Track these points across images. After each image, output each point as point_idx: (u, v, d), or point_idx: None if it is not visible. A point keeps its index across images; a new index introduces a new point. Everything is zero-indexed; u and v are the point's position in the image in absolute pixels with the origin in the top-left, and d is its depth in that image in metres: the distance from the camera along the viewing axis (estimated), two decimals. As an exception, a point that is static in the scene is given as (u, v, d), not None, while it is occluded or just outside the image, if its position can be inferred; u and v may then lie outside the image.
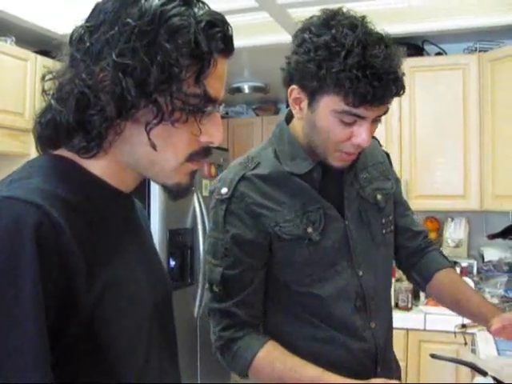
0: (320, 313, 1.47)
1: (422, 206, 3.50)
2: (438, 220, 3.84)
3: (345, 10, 1.35)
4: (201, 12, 0.89)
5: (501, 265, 3.52)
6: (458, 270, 3.31)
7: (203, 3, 0.91)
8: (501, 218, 3.69)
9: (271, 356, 1.39)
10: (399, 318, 3.08)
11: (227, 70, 0.95)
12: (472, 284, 3.21)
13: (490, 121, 3.42)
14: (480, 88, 3.47)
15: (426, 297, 3.41)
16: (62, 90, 0.90)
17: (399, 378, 1.65)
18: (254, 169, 1.46)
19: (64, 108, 0.89)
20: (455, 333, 2.85)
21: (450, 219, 3.81)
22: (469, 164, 3.49)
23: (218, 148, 4.43)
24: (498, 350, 2.39)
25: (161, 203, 3.82)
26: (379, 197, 1.55)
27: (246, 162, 1.49)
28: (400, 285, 3.46)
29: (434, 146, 3.54)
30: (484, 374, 1.66)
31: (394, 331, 1.67)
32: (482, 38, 3.63)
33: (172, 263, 3.99)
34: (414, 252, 1.71)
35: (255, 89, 5.37)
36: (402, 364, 1.76)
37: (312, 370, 1.34)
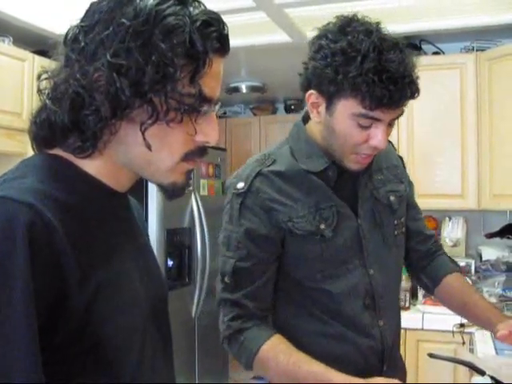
0: (330, 309, 1.49)
1: (420, 205, 3.45)
2: (436, 219, 3.84)
3: (360, 16, 1.41)
4: (196, 11, 0.88)
5: (498, 264, 3.52)
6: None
7: (199, 2, 0.91)
8: (498, 217, 3.69)
9: (276, 349, 1.41)
10: (397, 318, 3.07)
11: (224, 70, 0.95)
12: (470, 283, 3.21)
13: (487, 120, 3.42)
14: (477, 87, 3.47)
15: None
16: (56, 89, 0.90)
17: (403, 378, 1.66)
18: (270, 165, 1.50)
19: (59, 108, 0.89)
20: (453, 332, 2.85)
21: (447, 218, 3.81)
22: (466, 163, 3.49)
23: (216, 148, 4.43)
24: (495, 349, 2.39)
25: (158, 203, 3.82)
26: (392, 198, 1.59)
27: (263, 159, 1.53)
28: (398, 284, 3.46)
29: (431, 145, 3.54)
30: (482, 373, 1.66)
31: (392, 331, 1.67)
32: (480, 38, 3.64)
33: (170, 263, 3.99)
34: (425, 255, 1.74)
35: (252, 88, 5.37)
36: (400, 363, 1.76)
37: (316, 366, 1.35)
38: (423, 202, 3.57)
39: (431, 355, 1.78)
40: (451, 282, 1.68)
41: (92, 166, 0.94)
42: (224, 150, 4.93)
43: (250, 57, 4.09)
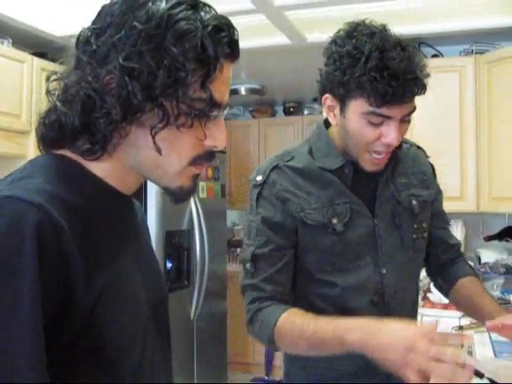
0: (336, 302, 1.53)
1: (419, 207, 3.50)
2: (435, 222, 3.84)
3: (367, 21, 1.46)
4: (207, 16, 0.89)
5: (497, 266, 3.53)
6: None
7: (210, 7, 0.91)
8: (497, 220, 3.70)
9: (292, 317, 1.43)
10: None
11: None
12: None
13: (486, 123, 3.42)
14: (477, 90, 3.47)
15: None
16: (67, 91, 0.91)
17: None
18: (288, 161, 1.58)
19: (69, 110, 0.89)
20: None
21: (446, 221, 3.81)
22: (465, 166, 3.50)
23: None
24: (494, 351, 2.39)
25: (157, 204, 3.82)
26: (414, 202, 1.62)
27: (282, 155, 1.60)
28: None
29: (430, 147, 3.50)
30: (481, 375, 1.65)
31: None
32: (479, 40, 3.64)
33: (168, 265, 3.99)
34: (445, 262, 1.77)
35: (252, 91, 5.38)
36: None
37: (331, 318, 1.36)
38: (422, 205, 3.60)
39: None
40: (465, 284, 1.70)
41: (99, 168, 0.94)
42: (223, 152, 4.93)
43: (249, 59, 4.09)
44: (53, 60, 3.61)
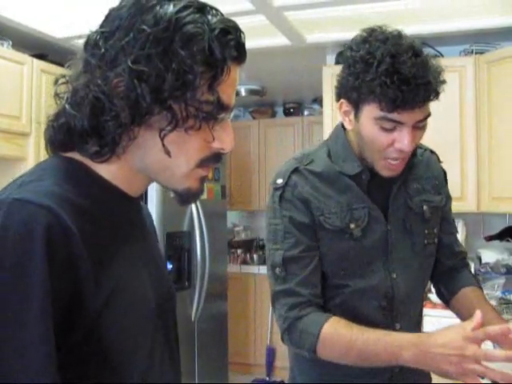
0: (346, 306, 1.53)
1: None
2: (435, 222, 3.83)
3: (383, 27, 1.46)
4: (214, 19, 0.90)
5: (498, 267, 3.52)
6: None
7: (216, 10, 0.92)
8: (498, 220, 3.69)
9: (336, 326, 1.43)
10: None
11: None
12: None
13: (486, 123, 3.42)
14: (477, 90, 3.47)
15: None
16: (76, 94, 0.91)
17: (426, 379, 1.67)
18: (307, 164, 1.57)
19: (78, 112, 0.90)
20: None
21: (447, 221, 3.80)
22: (466, 166, 3.49)
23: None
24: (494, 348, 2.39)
25: (158, 206, 3.82)
26: (425, 208, 1.62)
27: (301, 158, 1.60)
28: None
29: (430, 147, 3.53)
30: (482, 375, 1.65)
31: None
32: (479, 40, 3.64)
33: (169, 266, 3.98)
34: (449, 269, 1.76)
35: (252, 92, 5.38)
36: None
37: (378, 331, 1.39)
38: (423, 205, 3.60)
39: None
40: (467, 293, 1.69)
41: (107, 171, 0.95)
42: (223, 153, 4.92)
43: (249, 60, 4.06)
44: (53, 62, 3.62)
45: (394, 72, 1.34)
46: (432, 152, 1.76)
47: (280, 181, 1.55)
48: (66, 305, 0.80)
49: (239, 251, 5.83)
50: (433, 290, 1.80)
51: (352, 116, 1.49)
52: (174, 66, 0.85)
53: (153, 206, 3.78)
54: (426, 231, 1.63)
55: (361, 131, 1.47)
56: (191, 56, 0.86)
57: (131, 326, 0.90)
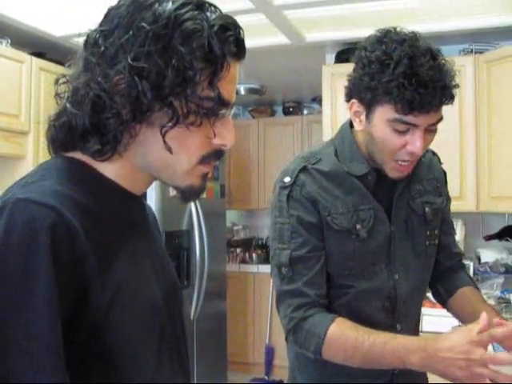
0: (350, 306, 1.53)
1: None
2: (435, 221, 3.83)
3: (398, 29, 1.45)
4: (213, 16, 0.90)
5: (497, 266, 3.52)
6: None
7: (215, 7, 0.93)
8: (497, 220, 3.70)
9: (342, 327, 1.43)
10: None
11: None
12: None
13: (486, 122, 3.42)
14: (476, 89, 3.47)
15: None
16: (77, 93, 0.91)
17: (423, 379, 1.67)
18: (315, 163, 1.57)
19: (79, 111, 0.90)
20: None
21: (446, 220, 3.81)
22: (465, 165, 3.49)
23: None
24: (494, 349, 2.39)
25: (157, 205, 3.82)
26: (427, 209, 1.62)
27: (308, 157, 1.59)
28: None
29: (430, 147, 3.53)
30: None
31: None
32: (478, 40, 3.64)
33: (168, 265, 3.98)
34: (447, 270, 1.76)
35: (251, 91, 5.38)
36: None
37: (384, 334, 1.39)
38: (422, 204, 3.60)
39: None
40: (465, 293, 1.70)
41: (109, 169, 0.95)
42: (222, 152, 4.92)
43: (249, 59, 4.06)
44: (52, 60, 3.61)
45: (411, 74, 1.33)
46: (434, 153, 1.76)
47: (287, 179, 1.54)
48: (71, 303, 0.80)
49: (238, 250, 5.83)
50: (428, 289, 1.80)
51: (363, 117, 1.47)
52: (174, 63, 0.86)
53: (152, 205, 3.72)
54: (428, 232, 1.63)
55: (372, 132, 1.46)
56: (191, 52, 0.86)
57: (138, 324, 0.91)
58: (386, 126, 1.42)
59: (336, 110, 3.73)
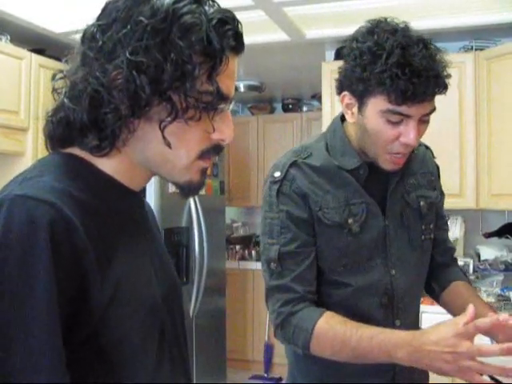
0: (346, 303, 1.51)
1: (418, 204, 3.50)
2: (434, 219, 3.84)
3: (389, 19, 1.44)
4: (211, 10, 0.90)
5: (497, 263, 3.53)
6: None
7: (213, 1, 0.92)
8: (497, 217, 3.70)
9: (331, 321, 1.42)
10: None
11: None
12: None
13: (486, 119, 3.42)
14: (476, 86, 3.47)
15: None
16: (74, 88, 0.91)
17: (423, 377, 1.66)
18: (305, 158, 1.55)
19: (77, 106, 0.89)
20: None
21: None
22: (465, 162, 3.49)
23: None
24: (491, 342, 2.39)
25: (156, 201, 3.81)
26: (422, 203, 1.61)
27: (299, 151, 1.57)
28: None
29: (429, 144, 3.52)
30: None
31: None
32: (478, 37, 3.64)
33: (168, 262, 3.98)
34: (440, 265, 1.75)
35: (250, 87, 5.37)
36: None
37: (371, 328, 1.37)
38: (421, 202, 3.60)
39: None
40: (459, 286, 1.69)
41: (108, 165, 0.94)
42: (222, 148, 4.91)
43: (248, 55, 4.06)
44: (51, 56, 3.61)
45: (404, 64, 1.32)
46: (427, 147, 1.75)
47: (278, 174, 1.52)
48: (71, 300, 0.80)
49: (237, 247, 5.83)
50: None
51: (355, 109, 1.45)
52: (173, 57, 0.85)
53: (151, 202, 3.77)
54: (423, 227, 1.62)
55: (365, 124, 1.44)
56: (189, 46, 0.86)
57: (137, 321, 0.90)
58: (379, 118, 1.40)
59: (335, 107, 3.72)
